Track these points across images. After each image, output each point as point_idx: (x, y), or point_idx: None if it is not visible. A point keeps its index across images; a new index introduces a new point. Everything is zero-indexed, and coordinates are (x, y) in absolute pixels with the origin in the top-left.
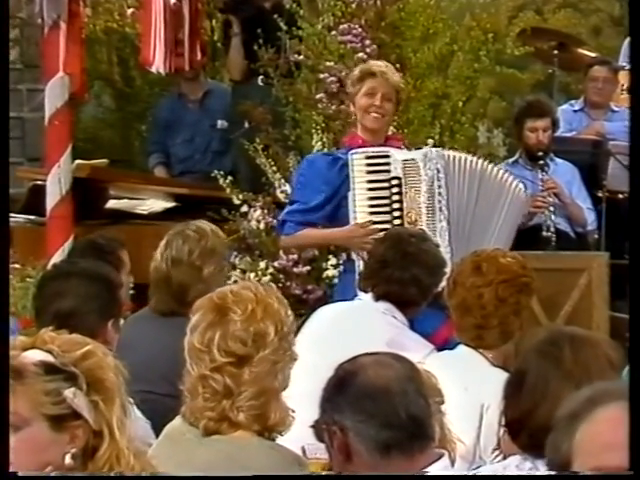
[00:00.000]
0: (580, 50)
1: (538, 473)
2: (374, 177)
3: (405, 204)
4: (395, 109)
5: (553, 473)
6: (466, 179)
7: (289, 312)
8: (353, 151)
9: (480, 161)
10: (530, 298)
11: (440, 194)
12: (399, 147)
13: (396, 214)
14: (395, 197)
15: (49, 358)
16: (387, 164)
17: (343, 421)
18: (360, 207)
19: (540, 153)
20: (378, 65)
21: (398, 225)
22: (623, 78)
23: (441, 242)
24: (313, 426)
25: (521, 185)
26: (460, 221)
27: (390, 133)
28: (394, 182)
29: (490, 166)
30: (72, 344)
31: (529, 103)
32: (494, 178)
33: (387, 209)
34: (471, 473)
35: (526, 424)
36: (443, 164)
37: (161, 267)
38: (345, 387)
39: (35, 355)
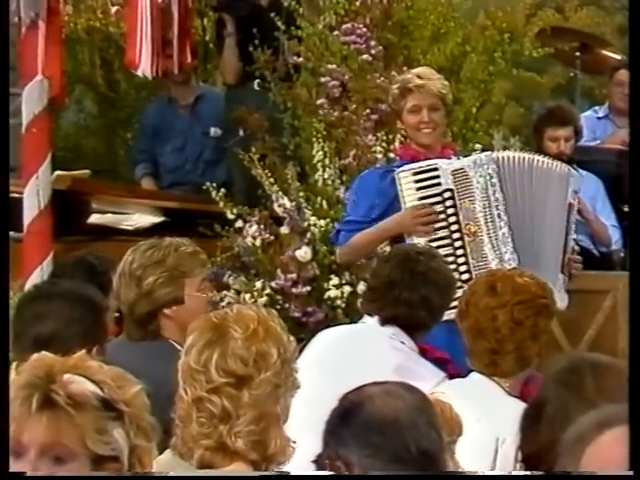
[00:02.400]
0: (604, 51)
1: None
2: (425, 193)
3: (461, 216)
4: (446, 113)
5: (553, 473)
6: (520, 178)
7: (291, 338)
8: (399, 169)
9: (528, 156)
10: (549, 321)
11: (497, 199)
12: (452, 156)
13: (454, 228)
14: (450, 210)
15: (99, 391)
16: (436, 177)
17: (348, 456)
18: None
19: None
20: (415, 78)
21: (458, 239)
22: None
23: (505, 250)
24: (315, 461)
25: (564, 166)
26: (521, 223)
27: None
28: (446, 195)
29: (537, 158)
30: (124, 380)
31: (550, 110)
32: (542, 168)
33: (444, 224)
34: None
35: (544, 460)
36: (495, 168)
37: (115, 286)
38: (350, 419)
39: (88, 385)
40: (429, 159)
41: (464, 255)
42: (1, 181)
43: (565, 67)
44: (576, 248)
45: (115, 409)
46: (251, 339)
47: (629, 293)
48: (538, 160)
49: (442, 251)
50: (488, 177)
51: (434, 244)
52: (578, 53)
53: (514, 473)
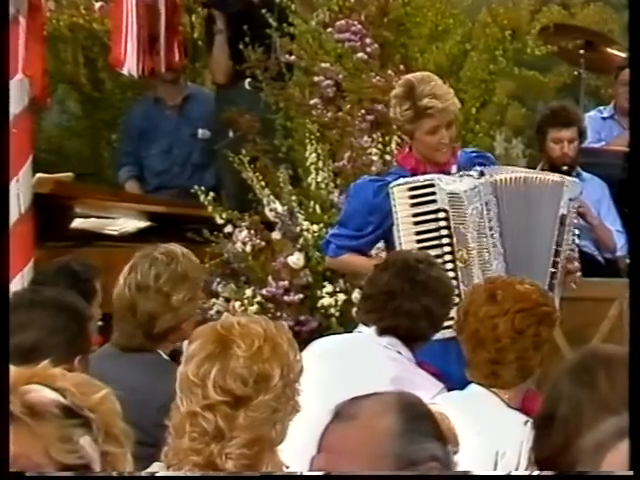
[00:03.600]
0: (610, 50)
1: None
2: (419, 209)
3: (455, 239)
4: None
5: (553, 473)
6: (516, 201)
7: (298, 357)
8: (394, 183)
9: (525, 175)
10: (551, 330)
11: (492, 228)
12: (453, 166)
13: (447, 249)
14: (444, 232)
15: (61, 399)
16: (432, 194)
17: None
18: (406, 243)
19: (565, 167)
20: (433, 100)
21: (450, 261)
22: None
23: None
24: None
25: (557, 177)
26: (516, 247)
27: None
28: (441, 215)
29: (533, 176)
30: (88, 386)
31: (553, 111)
32: (537, 186)
33: (436, 242)
34: None
35: (558, 463)
36: (492, 194)
37: (124, 294)
38: None
39: (47, 394)
40: (427, 172)
41: (455, 278)
42: (1, 179)
43: (569, 66)
44: (575, 256)
45: (80, 416)
46: (254, 358)
47: (630, 296)
48: (533, 178)
49: None
50: (484, 205)
51: None
52: (583, 51)
53: (514, 473)
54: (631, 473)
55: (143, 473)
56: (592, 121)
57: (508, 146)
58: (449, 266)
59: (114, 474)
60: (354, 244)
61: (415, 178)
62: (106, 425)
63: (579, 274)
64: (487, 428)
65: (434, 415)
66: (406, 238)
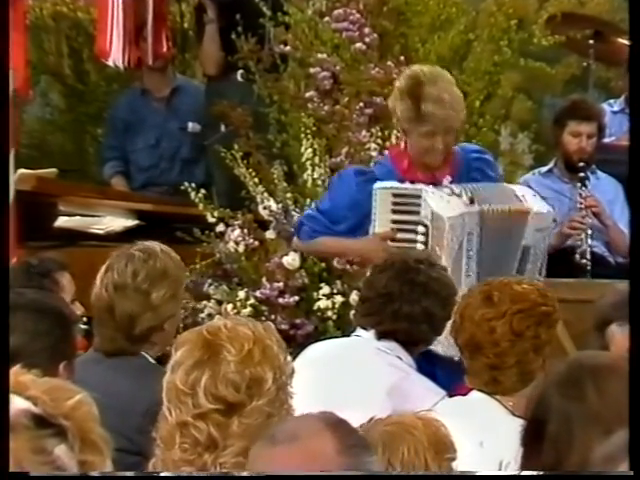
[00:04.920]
0: (621, 40)
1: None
2: (399, 217)
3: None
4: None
5: (553, 473)
6: (497, 234)
7: (288, 359)
8: (380, 185)
9: (509, 207)
10: (552, 331)
11: (470, 257)
12: (447, 176)
13: None
14: (419, 245)
15: (32, 408)
16: (417, 205)
17: None
18: None
19: (581, 163)
20: (434, 105)
21: None
22: None
23: None
24: None
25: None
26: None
27: None
28: (420, 229)
29: (514, 206)
30: (60, 391)
31: (574, 102)
32: (518, 219)
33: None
34: None
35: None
36: (477, 221)
37: (102, 295)
38: None
39: (17, 404)
40: (418, 179)
41: None
42: (1, 184)
43: (578, 57)
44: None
45: (53, 424)
46: (245, 362)
47: (630, 296)
48: (515, 209)
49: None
50: (466, 236)
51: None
52: (592, 41)
53: (514, 473)
54: (631, 473)
55: (143, 473)
56: None
57: (513, 141)
58: None
59: (115, 474)
60: (330, 232)
61: (403, 185)
62: (82, 432)
63: None
64: (490, 437)
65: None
66: None
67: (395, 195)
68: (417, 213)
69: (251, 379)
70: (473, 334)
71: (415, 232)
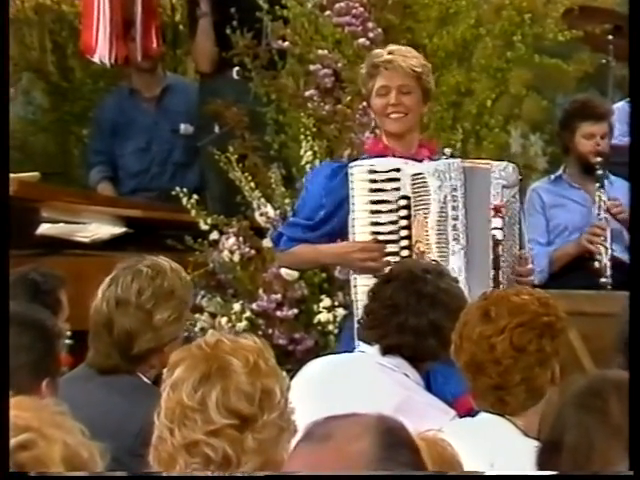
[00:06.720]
0: None
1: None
2: (378, 197)
3: (414, 231)
4: (422, 100)
5: (553, 473)
6: (486, 193)
7: (284, 374)
8: (354, 163)
9: (492, 163)
10: (557, 341)
11: (456, 218)
12: (426, 158)
13: (404, 243)
14: (403, 222)
15: None
16: (396, 180)
17: None
18: (361, 234)
19: (598, 159)
20: (384, 53)
21: (406, 257)
22: None
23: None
24: None
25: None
26: (482, 249)
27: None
28: (402, 203)
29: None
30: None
31: (583, 103)
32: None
33: (394, 237)
34: None
35: None
36: (461, 180)
37: (101, 309)
38: None
39: None
40: (397, 156)
41: None
42: (1, 181)
43: (595, 53)
44: (527, 257)
45: None
46: (254, 373)
47: (630, 296)
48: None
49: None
50: (451, 190)
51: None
52: (611, 37)
53: (514, 473)
54: (631, 473)
55: (141, 473)
56: (620, 113)
57: (525, 142)
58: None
59: (116, 474)
60: (307, 236)
61: (379, 160)
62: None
63: (532, 278)
64: (501, 459)
65: (416, 444)
66: (361, 229)
67: (371, 172)
68: (397, 190)
69: (262, 391)
70: (473, 354)
71: (397, 210)
